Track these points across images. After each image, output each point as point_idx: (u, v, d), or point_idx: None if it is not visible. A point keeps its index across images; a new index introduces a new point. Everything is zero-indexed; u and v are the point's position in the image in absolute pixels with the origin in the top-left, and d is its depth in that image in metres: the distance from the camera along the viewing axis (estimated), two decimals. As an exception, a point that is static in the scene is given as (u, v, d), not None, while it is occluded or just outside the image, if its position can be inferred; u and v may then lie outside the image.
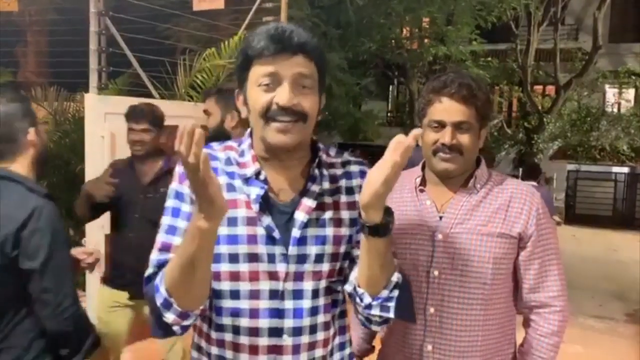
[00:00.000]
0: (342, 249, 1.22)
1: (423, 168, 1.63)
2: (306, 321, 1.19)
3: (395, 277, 1.18)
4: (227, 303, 1.18)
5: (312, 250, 1.18)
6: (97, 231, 3.49)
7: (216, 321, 1.20)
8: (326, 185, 1.23)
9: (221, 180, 1.18)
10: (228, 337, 1.19)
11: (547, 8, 12.38)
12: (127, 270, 2.67)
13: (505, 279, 1.54)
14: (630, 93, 14.65)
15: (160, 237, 1.19)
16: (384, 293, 1.17)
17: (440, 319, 1.50)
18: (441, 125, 1.49)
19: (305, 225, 1.18)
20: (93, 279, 3.48)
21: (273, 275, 1.17)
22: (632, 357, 4.66)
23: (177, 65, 4.71)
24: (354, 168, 1.28)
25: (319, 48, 1.18)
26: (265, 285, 1.17)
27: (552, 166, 13.35)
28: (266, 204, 1.18)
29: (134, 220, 2.70)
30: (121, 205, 2.72)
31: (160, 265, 1.15)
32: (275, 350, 1.18)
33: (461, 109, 1.47)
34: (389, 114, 18.00)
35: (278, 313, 1.17)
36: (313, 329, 1.20)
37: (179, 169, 1.22)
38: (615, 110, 14.44)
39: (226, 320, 1.19)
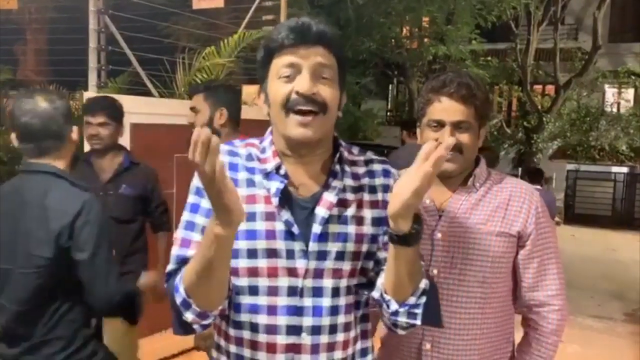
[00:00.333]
0: (365, 248, 1.20)
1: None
2: (326, 320, 1.17)
3: (423, 283, 1.16)
4: (246, 299, 1.17)
5: (333, 247, 1.16)
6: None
7: (234, 318, 1.19)
8: (348, 182, 1.21)
9: (241, 175, 1.19)
10: (246, 334, 1.18)
11: (547, 8, 12.37)
12: None
13: (504, 278, 1.54)
14: (629, 93, 14.65)
15: (180, 233, 1.20)
16: (412, 300, 1.16)
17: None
18: (440, 124, 1.49)
19: (327, 221, 1.16)
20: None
21: (292, 272, 1.15)
22: (631, 356, 4.66)
23: (177, 63, 4.71)
24: (377, 167, 1.27)
25: (339, 41, 1.19)
26: (284, 282, 1.15)
27: (552, 166, 13.35)
28: (286, 198, 1.17)
29: None
30: None
31: (181, 261, 1.16)
32: (294, 349, 1.16)
33: (460, 108, 1.47)
34: (388, 113, 17.99)
35: (296, 310, 1.15)
36: (333, 329, 1.18)
37: None
38: (615, 110, 14.44)
39: (244, 317, 1.17)
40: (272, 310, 1.16)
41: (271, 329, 1.16)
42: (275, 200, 1.16)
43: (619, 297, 6.44)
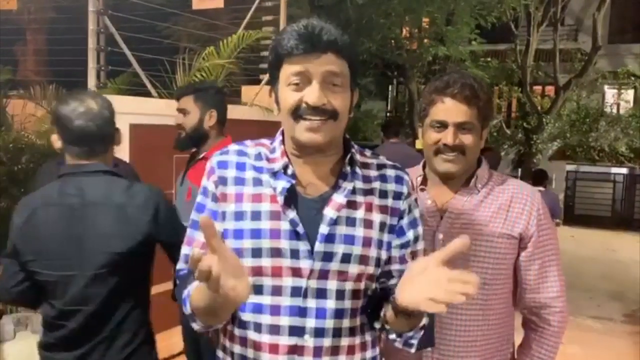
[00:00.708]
0: (373, 252, 1.19)
1: (424, 167, 1.63)
2: (329, 323, 1.16)
3: (424, 320, 1.15)
4: (250, 298, 1.15)
5: (340, 249, 1.15)
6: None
7: (239, 317, 1.19)
8: (359, 184, 1.20)
9: (248, 174, 1.19)
10: (250, 334, 1.18)
11: (546, 8, 12.36)
12: None
13: (505, 279, 1.54)
14: (629, 94, 14.64)
15: (187, 232, 1.25)
16: (410, 333, 1.17)
17: (440, 318, 1.49)
18: (443, 125, 1.48)
19: (335, 223, 1.15)
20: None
21: (296, 272, 1.14)
22: (630, 357, 4.66)
23: (176, 64, 4.70)
24: (390, 172, 1.25)
25: (350, 44, 1.16)
26: (287, 282, 1.15)
27: (551, 167, 13.33)
28: (292, 198, 1.16)
29: None
30: None
31: (188, 261, 1.21)
32: (296, 350, 1.15)
33: (464, 109, 1.47)
34: (388, 114, 17.98)
35: (299, 311, 1.15)
36: (337, 333, 1.17)
37: (209, 164, 1.23)
38: (615, 111, 14.43)
39: (248, 317, 1.17)
40: (275, 310, 1.15)
41: (274, 330, 1.15)
42: (280, 199, 1.15)
43: (619, 297, 6.44)
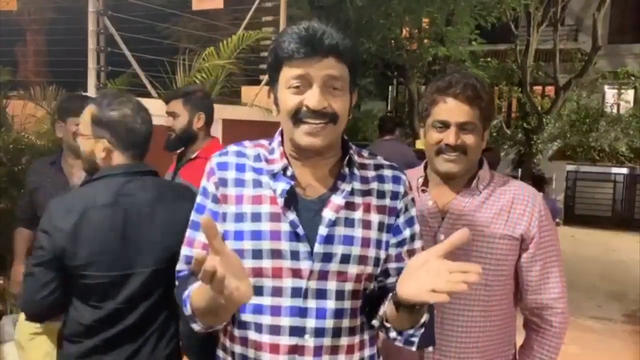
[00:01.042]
0: (372, 253, 1.20)
1: (425, 168, 1.62)
2: (329, 323, 1.17)
3: (424, 317, 1.14)
4: (251, 299, 1.17)
5: (339, 249, 1.16)
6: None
7: (239, 318, 1.20)
8: (357, 185, 1.21)
9: (248, 176, 1.20)
10: (250, 334, 1.18)
11: (546, 9, 12.35)
12: None
13: (507, 281, 1.53)
14: (629, 94, 14.64)
15: (187, 232, 1.25)
16: (411, 331, 1.16)
17: (441, 319, 1.49)
18: (445, 125, 1.48)
19: (333, 224, 1.16)
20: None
21: (296, 273, 1.15)
22: (630, 357, 4.66)
23: (176, 65, 4.70)
24: (388, 172, 1.26)
25: (352, 48, 1.16)
26: (288, 283, 1.15)
27: (552, 167, 13.34)
28: (292, 199, 1.17)
29: None
30: (41, 211, 2.35)
31: (188, 262, 1.22)
32: (297, 350, 1.16)
33: (466, 109, 1.47)
34: (388, 114, 17.99)
35: (300, 312, 1.16)
36: (336, 332, 1.18)
37: (209, 165, 1.24)
38: (615, 111, 14.42)
39: (249, 317, 1.18)
40: (276, 310, 1.16)
41: (275, 330, 1.16)
42: (281, 201, 1.16)
43: (619, 298, 6.44)
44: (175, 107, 2.62)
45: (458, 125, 1.47)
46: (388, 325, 1.17)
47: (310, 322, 1.16)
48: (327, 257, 1.16)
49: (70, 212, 1.57)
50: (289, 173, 1.18)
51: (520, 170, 12.50)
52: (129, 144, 1.68)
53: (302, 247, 1.15)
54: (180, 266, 1.27)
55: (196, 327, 1.15)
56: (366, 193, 1.22)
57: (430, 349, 1.50)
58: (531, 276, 1.53)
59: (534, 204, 1.52)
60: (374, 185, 1.23)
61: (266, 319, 1.16)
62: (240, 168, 1.21)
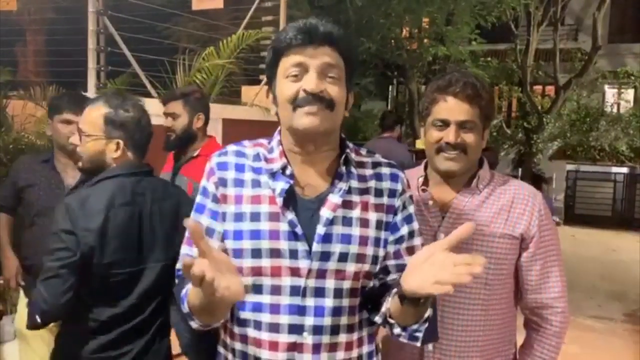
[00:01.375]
0: (370, 251, 1.21)
1: (425, 168, 1.63)
2: (327, 320, 1.18)
3: (428, 312, 1.14)
4: (250, 297, 1.19)
5: (337, 248, 1.17)
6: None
7: (238, 316, 1.21)
8: (354, 183, 1.22)
9: (247, 176, 1.21)
10: (250, 332, 1.20)
11: (546, 8, 12.34)
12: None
13: (507, 280, 1.54)
14: (629, 93, 14.63)
15: (187, 232, 1.23)
16: (415, 326, 1.16)
17: (442, 318, 1.49)
18: (445, 124, 1.49)
19: (331, 223, 1.17)
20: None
21: (295, 272, 1.16)
22: (631, 357, 4.65)
23: (176, 64, 4.70)
24: (385, 170, 1.27)
25: (347, 39, 1.20)
26: (286, 281, 1.17)
27: (552, 166, 13.33)
28: (290, 199, 1.18)
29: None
30: (35, 211, 2.42)
31: None
32: (295, 347, 1.17)
33: (466, 108, 1.47)
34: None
35: (298, 310, 1.17)
36: (335, 330, 1.19)
37: (208, 165, 1.25)
38: (615, 110, 14.41)
39: (248, 315, 1.19)
40: (275, 309, 1.17)
41: (274, 327, 1.17)
42: (279, 201, 1.17)
43: (619, 297, 6.43)
44: (174, 108, 2.69)
45: (458, 123, 1.47)
46: (392, 321, 1.18)
47: (309, 320, 1.17)
48: (325, 256, 1.17)
49: (96, 212, 1.63)
50: (287, 172, 1.19)
51: (520, 169, 12.49)
52: (139, 144, 1.76)
53: (301, 246, 1.16)
54: (179, 265, 1.28)
55: (194, 324, 1.16)
56: (364, 191, 1.22)
57: (430, 347, 1.51)
58: (531, 275, 1.53)
59: (533, 203, 1.52)
60: (372, 183, 1.24)
61: (265, 317, 1.18)
62: (240, 168, 1.22)
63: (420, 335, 1.17)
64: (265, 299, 1.18)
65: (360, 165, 1.25)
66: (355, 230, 1.19)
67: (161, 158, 3.54)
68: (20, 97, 4.40)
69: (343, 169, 1.21)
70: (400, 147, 4.89)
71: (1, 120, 4.13)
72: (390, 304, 1.16)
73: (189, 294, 1.12)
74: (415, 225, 1.29)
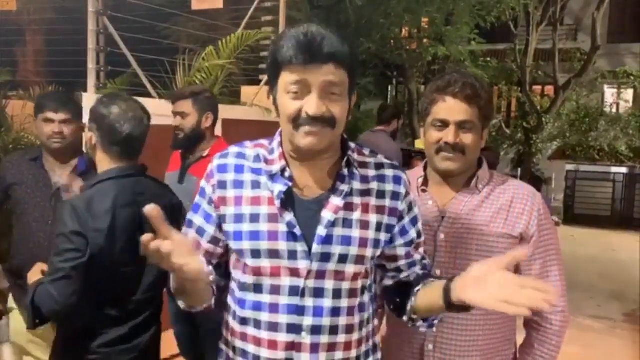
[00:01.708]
0: (369, 252, 1.22)
1: (425, 168, 1.63)
2: (326, 321, 1.19)
3: None
4: (250, 296, 1.20)
5: (337, 250, 1.18)
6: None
7: (239, 314, 1.23)
8: (356, 185, 1.22)
9: (246, 177, 1.22)
10: (250, 330, 1.21)
11: (546, 8, 12.34)
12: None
13: (507, 279, 1.53)
14: (629, 93, 14.64)
15: (183, 229, 1.29)
16: (433, 316, 1.29)
17: (442, 318, 1.49)
18: (445, 124, 1.49)
19: (332, 224, 1.18)
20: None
21: (294, 272, 1.17)
22: (630, 357, 4.66)
23: (176, 64, 4.70)
24: (389, 172, 1.27)
25: (351, 53, 1.15)
26: (285, 282, 1.18)
27: (551, 166, 13.34)
28: (289, 200, 1.18)
29: (43, 227, 2.30)
30: (22, 210, 2.37)
31: None
32: (294, 347, 1.18)
33: (465, 108, 1.47)
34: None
35: (297, 310, 1.18)
36: (334, 330, 1.20)
37: (210, 167, 1.26)
38: (614, 110, 14.42)
39: (248, 314, 1.21)
40: (274, 308, 1.19)
41: (273, 327, 1.19)
42: (278, 202, 1.17)
43: (619, 297, 6.44)
44: (184, 107, 2.68)
45: (457, 124, 1.48)
46: (415, 317, 1.27)
47: (308, 320, 1.18)
48: (325, 257, 1.17)
49: (103, 213, 1.67)
50: (287, 174, 1.19)
51: (519, 169, 12.49)
52: (111, 141, 1.75)
53: (300, 247, 1.17)
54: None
55: (181, 305, 1.26)
56: (365, 193, 1.23)
57: (431, 347, 1.51)
58: (531, 275, 1.53)
59: (533, 203, 1.53)
60: (374, 185, 1.24)
61: (265, 316, 1.19)
62: (239, 169, 1.23)
63: (436, 322, 1.31)
64: (265, 298, 1.19)
65: (363, 165, 1.25)
66: (356, 232, 1.20)
67: (161, 158, 3.55)
68: (20, 97, 4.41)
69: (345, 170, 1.21)
70: (389, 143, 4.65)
71: (1, 120, 4.13)
72: (419, 302, 1.24)
73: (171, 277, 1.22)
74: (420, 224, 1.33)
